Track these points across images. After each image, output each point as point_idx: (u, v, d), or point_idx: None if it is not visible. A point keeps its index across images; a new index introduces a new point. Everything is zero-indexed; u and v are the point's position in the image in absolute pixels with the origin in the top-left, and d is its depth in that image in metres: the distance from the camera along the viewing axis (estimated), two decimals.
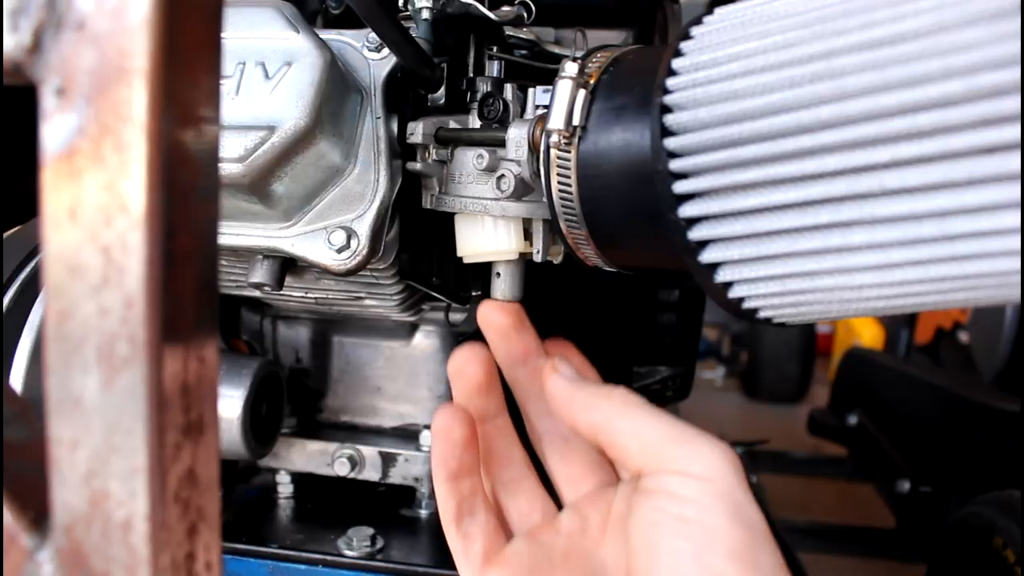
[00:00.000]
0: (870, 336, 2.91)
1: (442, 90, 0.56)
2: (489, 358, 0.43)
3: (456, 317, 0.70)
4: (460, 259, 0.52)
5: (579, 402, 0.39)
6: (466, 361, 0.42)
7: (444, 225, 0.53)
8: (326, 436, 0.73)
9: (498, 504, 0.44)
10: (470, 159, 0.49)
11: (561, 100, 0.41)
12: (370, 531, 0.67)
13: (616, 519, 0.40)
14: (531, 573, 0.39)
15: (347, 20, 0.65)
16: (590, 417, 0.39)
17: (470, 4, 0.55)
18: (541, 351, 0.45)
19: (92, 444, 0.18)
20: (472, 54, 0.58)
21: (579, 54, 0.46)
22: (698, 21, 0.38)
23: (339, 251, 0.49)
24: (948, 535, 1.08)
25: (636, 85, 0.40)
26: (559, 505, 0.44)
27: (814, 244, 0.32)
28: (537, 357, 0.45)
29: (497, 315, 0.45)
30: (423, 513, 0.72)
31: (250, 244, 0.52)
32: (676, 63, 0.37)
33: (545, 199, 0.44)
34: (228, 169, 0.46)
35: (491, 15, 0.56)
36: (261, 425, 0.66)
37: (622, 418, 0.38)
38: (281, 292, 0.55)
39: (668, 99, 0.36)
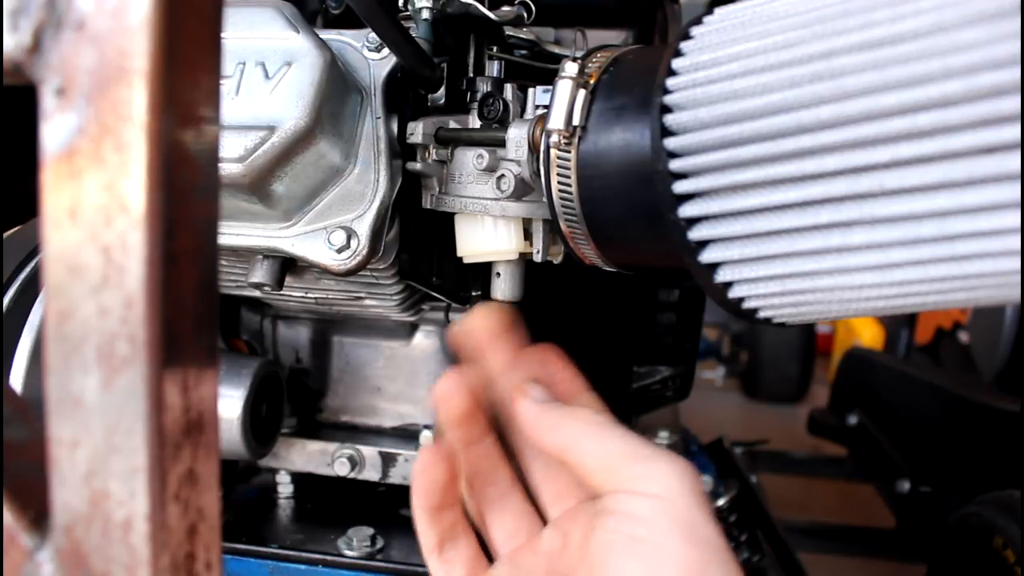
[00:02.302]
0: (870, 336, 2.91)
1: (442, 90, 0.56)
2: (474, 386, 0.42)
3: (456, 317, 0.70)
4: (460, 259, 0.52)
5: (545, 423, 0.39)
6: (451, 393, 0.41)
7: (444, 225, 0.53)
8: (326, 436, 0.73)
9: (484, 522, 0.44)
10: (470, 159, 0.49)
11: (561, 100, 0.41)
12: (370, 531, 0.67)
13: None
14: None
15: (347, 20, 0.65)
16: (555, 438, 0.38)
17: (470, 4, 0.55)
18: (519, 362, 0.44)
19: (92, 444, 0.18)
20: (472, 54, 0.58)
21: (579, 54, 0.46)
22: (698, 21, 0.38)
23: (339, 251, 0.49)
24: (948, 535, 1.08)
25: (636, 85, 0.40)
26: (545, 520, 0.43)
27: (814, 244, 0.32)
28: (516, 369, 0.44)
29: (468, 340, 0.44)
30: None
31: (250, 244, 0.52)
32: (676, 63, 0.37)
33: (545, 199, 0.44)
34: (228, 169, 0.46)
35: (491, 15, 0.56)
36: (261, 425, 0.66)
37: (585, 437, 0.37)
38: (281, 292, 0.55)
39: (668, 99, 0.36)
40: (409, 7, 0.56)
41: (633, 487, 0.35)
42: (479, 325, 0.44)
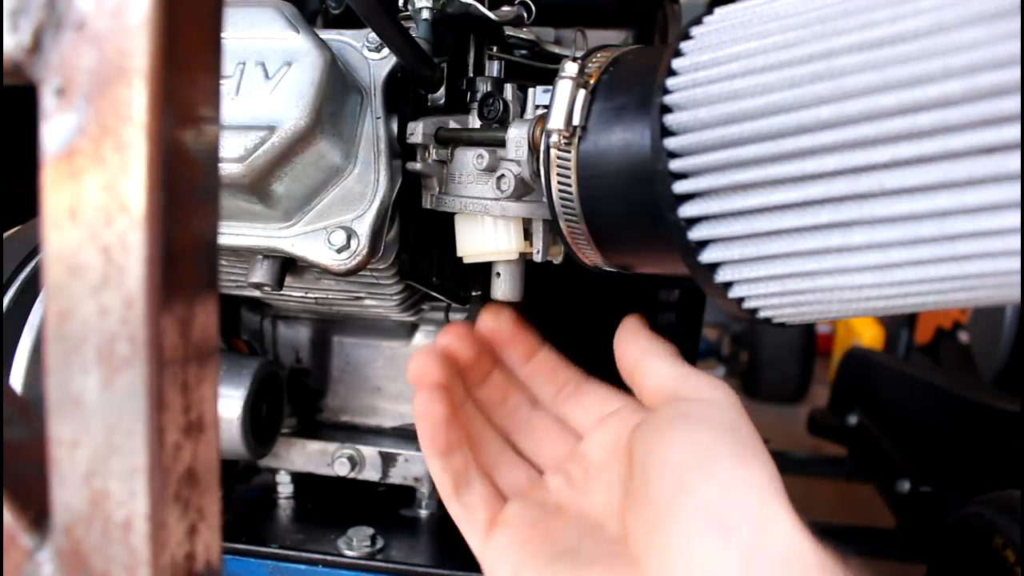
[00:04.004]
0: (870, 336, 2.91)
1: (442, 90, 0.56)
2: (446, 357, 0.46)
3: (456, 317, 0.70)
4: (460, 259, 0.52)
5: (634, 339, 0.46)
6: (425, 365, 0.45)
7: (444, 225, 0.53)
8: (326, 436, 0.73)
9: (488, 474, 0.48)
10: (470, 159, 0.49)
11: (561, 100, 0.41)
12: (370, 531, 0.67)
13: (596, 467, 0.45)
14: (532, 527, 0.42)
15: (347, 20, 0.65)
16: (637, 350, 0.45)
17: (470, 4, 0.55)
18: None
19: (92, 444, 0.18)
20: (472, 54, 0.58)
21: (579, 54, 0.46)
22: (698, 21, 0.38)
23: (339, 251, 0.49)
24: (948, 535, 1.08)
25: (636, 85, 0.40)
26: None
27: (814, 244, 0.32)
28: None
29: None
30: (423, 513, 0.72)
31: (250, 244, 0.52)
32: (676, 63, 0.37)
33: (545, 199, 0.44)
34: (228, 169, 0.46)
35: (491, 15, 0.55)
36: (261, 425, 0.66)
37: (657, 355, 0.44)
38: (281, 292, 0.55)
39: (668, 99, 0.36)
40: (409, 7, 0.56)
41: (691, 395, 0.40)
42: (491, 325, 0.49)
